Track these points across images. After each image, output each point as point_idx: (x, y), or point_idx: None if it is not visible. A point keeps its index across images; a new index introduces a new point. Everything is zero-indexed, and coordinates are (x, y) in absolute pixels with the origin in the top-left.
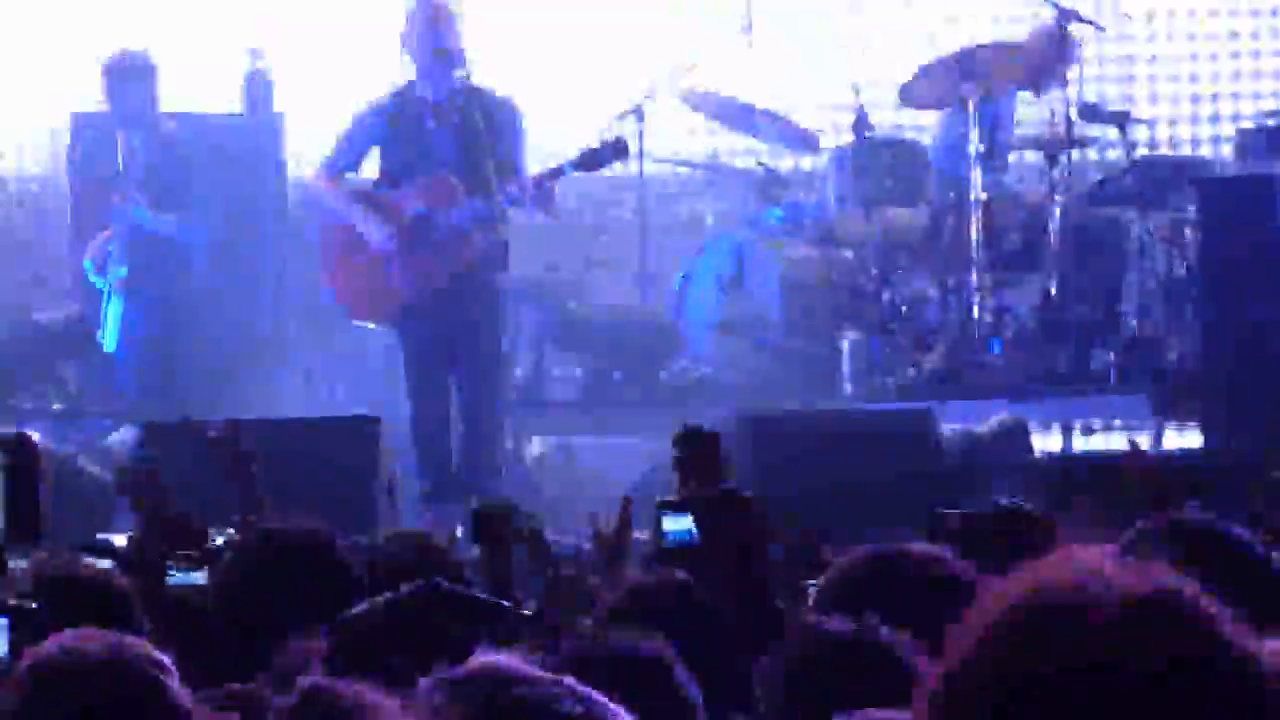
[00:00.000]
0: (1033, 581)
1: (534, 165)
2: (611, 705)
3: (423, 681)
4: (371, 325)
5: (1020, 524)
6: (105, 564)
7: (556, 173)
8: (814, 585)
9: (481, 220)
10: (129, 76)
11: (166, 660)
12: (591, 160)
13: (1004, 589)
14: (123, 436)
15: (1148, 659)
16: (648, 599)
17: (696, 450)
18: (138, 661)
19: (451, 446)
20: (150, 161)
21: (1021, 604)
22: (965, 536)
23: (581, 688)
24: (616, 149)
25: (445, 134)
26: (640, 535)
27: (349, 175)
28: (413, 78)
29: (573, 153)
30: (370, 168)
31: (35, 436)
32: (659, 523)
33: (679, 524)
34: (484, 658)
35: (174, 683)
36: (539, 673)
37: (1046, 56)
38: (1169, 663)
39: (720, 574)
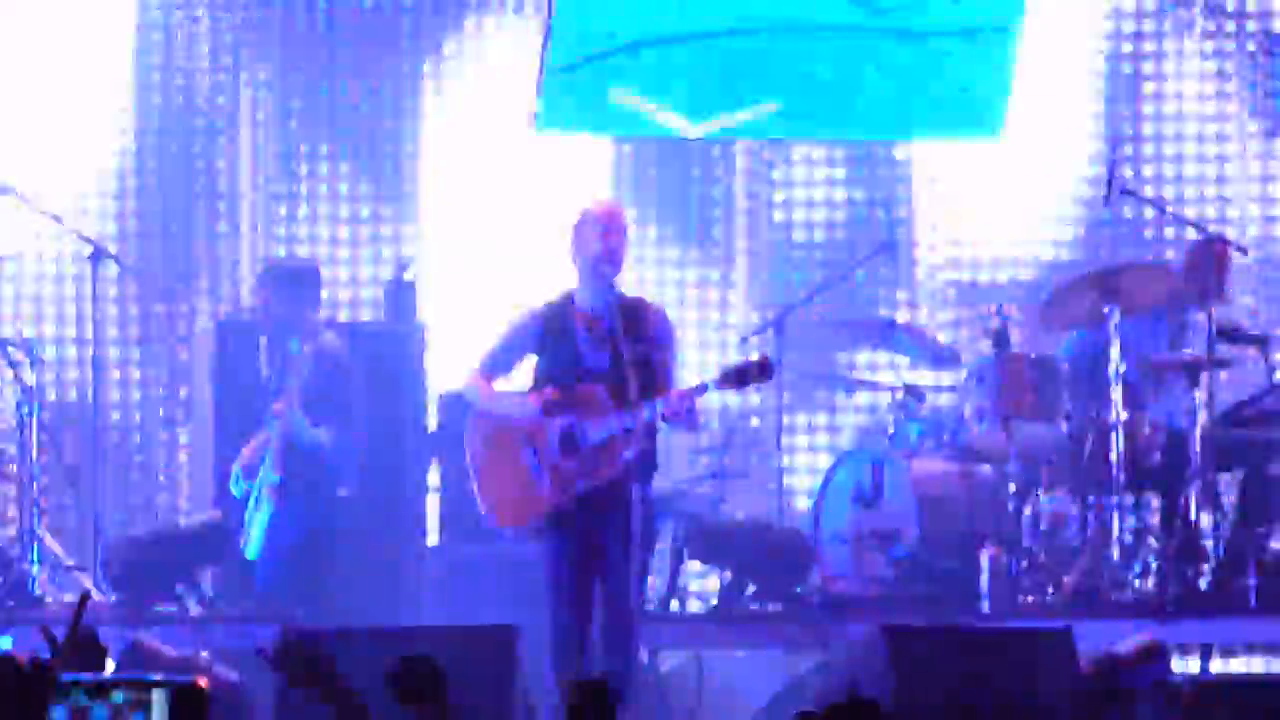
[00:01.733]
0: None
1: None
2: None
3: None
4: (512, 531)
5: None
6: None
7: (700, 390)
8: None
9: (627, 434)
10: (296, 283)
11: None
12: (735, 379)
13: None
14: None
15: None
16: None
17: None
18: None
19: (588, 659)
20: (309, 371)
21: None
22: None
23: None
24: (760, 369)
25: (597, 345)
26: None
27: (499, 380)
28: (572, 285)
29: (715, 371)
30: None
31: (204, 683)
32: None
33: None
34: None
35: None
36: None
37: (1197, 276)
38: None
39: None
